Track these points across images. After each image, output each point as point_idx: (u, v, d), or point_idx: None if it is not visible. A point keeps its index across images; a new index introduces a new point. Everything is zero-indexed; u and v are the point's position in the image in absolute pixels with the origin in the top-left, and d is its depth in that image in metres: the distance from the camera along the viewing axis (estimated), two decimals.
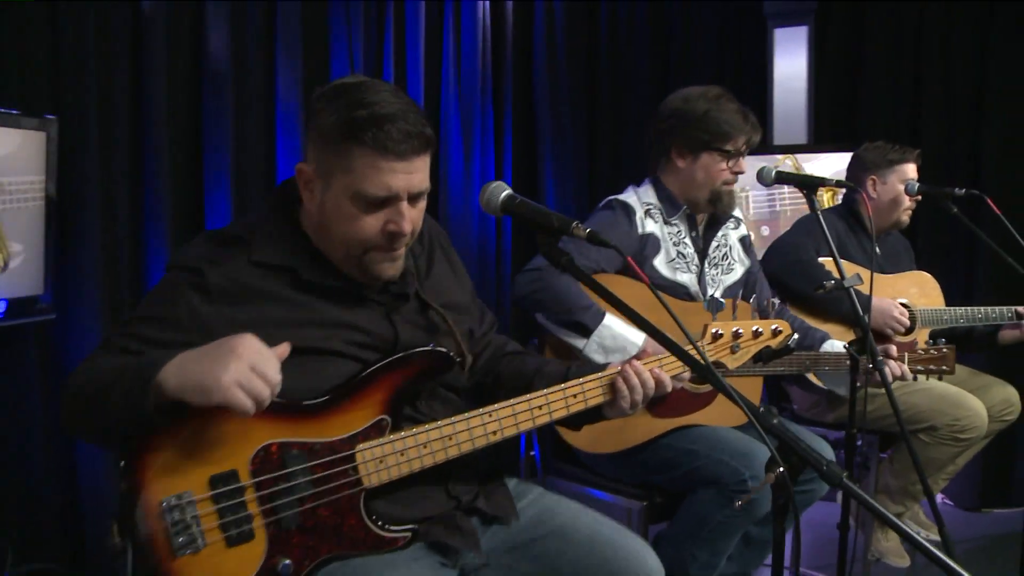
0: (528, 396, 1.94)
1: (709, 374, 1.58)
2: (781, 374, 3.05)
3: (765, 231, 4.92)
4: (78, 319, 3.27)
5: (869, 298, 2.93)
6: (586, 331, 2.70)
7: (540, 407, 1.96)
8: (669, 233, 2.96)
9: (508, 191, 1.90)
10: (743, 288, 3.13)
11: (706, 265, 3.01)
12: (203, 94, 3.73)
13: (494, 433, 1.92)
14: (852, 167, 3.87)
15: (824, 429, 3.55)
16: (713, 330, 2.20)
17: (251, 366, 1.60)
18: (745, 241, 3.19)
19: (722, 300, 2.33)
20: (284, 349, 1.69)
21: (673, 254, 2.94)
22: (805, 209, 4.63)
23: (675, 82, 5.39)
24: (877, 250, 3.75)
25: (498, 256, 4.80)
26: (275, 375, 1.62)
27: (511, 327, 4.63)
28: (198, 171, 3.74)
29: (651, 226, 2.93)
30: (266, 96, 3.94)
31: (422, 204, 1.88)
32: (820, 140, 5.05)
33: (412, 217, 1.84)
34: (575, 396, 1.99)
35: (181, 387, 1.61)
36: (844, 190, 3.93)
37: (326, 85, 1.86)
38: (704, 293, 2.97)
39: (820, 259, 3.54)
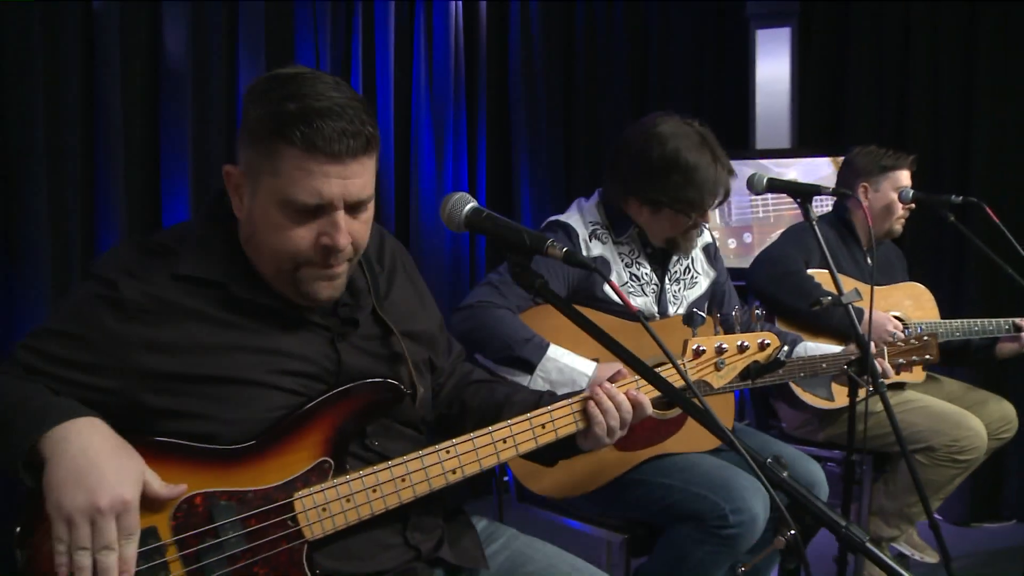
0: (491, 429, 1.72)
1: (685, 400, 1.35)
2: (766, 386, 2.77)
3: (747, 238, 4.71)
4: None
5: (867, 313, 2.67)
6: (529, 366, 2.41)
7: (504, 440, 1.72)
8: (620, 254, 2.68)
9: (473, 204, 1.67)
10: (709, 301, 2.89)
11: (667, 282, 2.75)
12: (160, 96, 3.50)
13: (453, 472, 1.69)
14: (843, 173, 3.65)
15: (814, 449, 3.32)
16: (694, 346, 1.98)
17: (96, 521, 1.40)
18: (709, 250, 2.90)
19: (702, 314, 2.09)
20: (179, 491, 1.50)
21: (625, 277, 2.67)
22: (790, 216, 4.46)
23: (655, 85, 5.22)
24: (869, 261, 3.53)
25: (472, 271, 4.59)
26: (114, 547, 1.40)
27: None
28: (154, 178, 3.53)
29: (598, 248, 2.65)
30: (228, 99, 3.70)
31: (366, 215, 1.62)
32: (804, 144, 4.84)
33: (354, 230, 1.59)
34: (543, 426, 1.76)
35: (48, 470, 1.42)
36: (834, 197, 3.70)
37: (259, 77, 1.62)
38: (664, 313, 2.72)
39: (809, 271, 3.31)
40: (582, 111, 5.03)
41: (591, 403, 1.78)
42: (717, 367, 2.00)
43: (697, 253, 2.84)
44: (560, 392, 2.40)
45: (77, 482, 1.39)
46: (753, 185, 2.59)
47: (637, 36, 5.21)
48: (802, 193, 2.52)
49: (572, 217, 2.68)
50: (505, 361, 2.42)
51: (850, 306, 2.44)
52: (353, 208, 1.58)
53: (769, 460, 1.34)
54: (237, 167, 1.61)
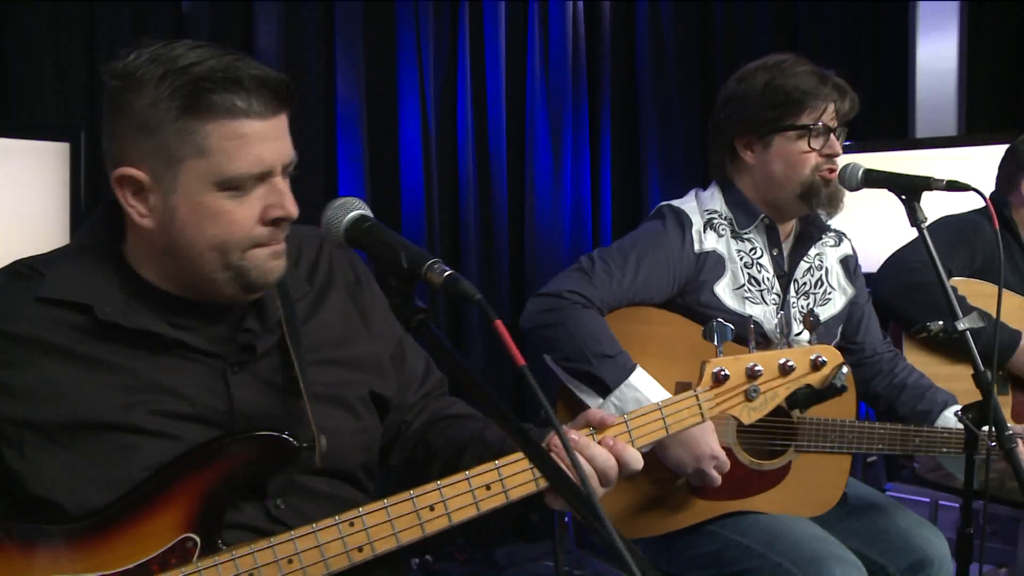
0: (413, 492, 1.28)
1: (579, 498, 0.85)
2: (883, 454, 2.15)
3: None
4: None
5: (994, 339, 1.98)
6: (603, 388, 1.94)
7: (432, 507, 1.27)
8: (739, 251, 2.15)
9: (358, 212, 1.25)
10: (844, 324, 2.30)
11: (792, 293, 2.19)
12: None
13: (359, 550, 1.27)
14: (1005, 162, 2.93)
15: (950, 496, 2.63)
16: (715, 369, 1.46)
17: None
18: (848, 263, 2.32)
19: (728, 324, 1.53)
20: None
21: (743, 279, 2.14)
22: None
23: None
24: None
25: None
26: None
27: None
28: None
29: (712, 242, 2.13)
30: (326, 104, 3.48)
31: (289, 182, 1.36)
32: (974, 131, 4.03)
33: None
34: (488, 488, 1.30)
35: None
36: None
37: (110, 64, 1.30)
38: (787, 331, 2.16)
39: (954, 280, 2.61)
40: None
41: (552, 457, 1.30)
42: (748, 396, 1.47)
43: (833, 264, 2.28)
44: None
45: None
46: (846, 179, 2.01)
47: (782, 18, 4.60)
48: (908, 189, 1.90)
49: (688, 203, 2.19)
50: (576, 374, 1.98)
51: (967, 335, 1.81)
52: (284, 171, 1.33)
53: None
54: (134, 168, 1.28)
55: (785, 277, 2.19)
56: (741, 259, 2.14)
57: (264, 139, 1.28)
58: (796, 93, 2.05)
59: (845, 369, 1.55)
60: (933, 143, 3.99)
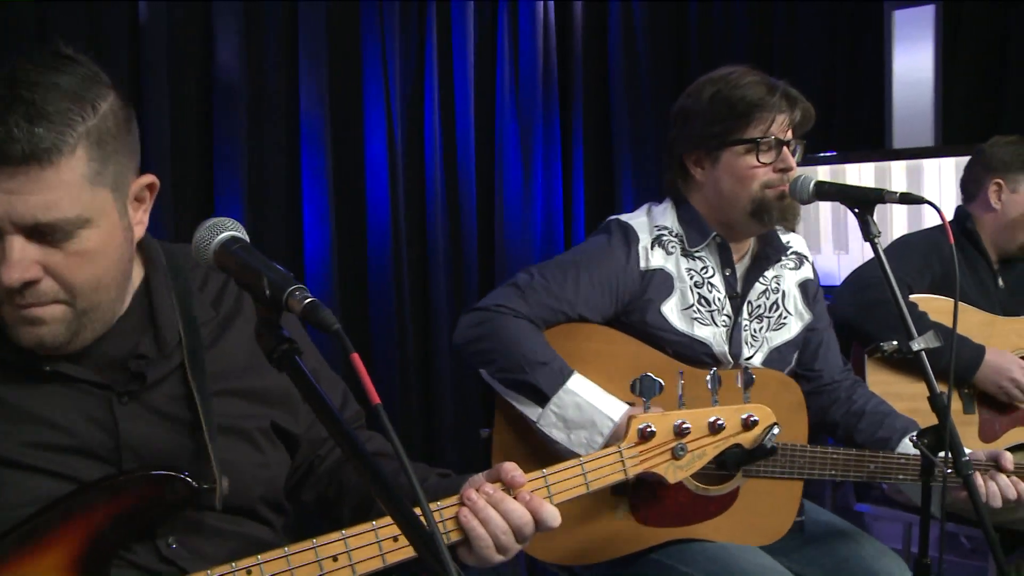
0: (316, 542, 1.21)
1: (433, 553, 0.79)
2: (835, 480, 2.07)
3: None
4: None
5: (953, 355, 1.91)
6: (540, 396, 1.87)
7: (335, 558, 1.20)
8: (689, 270, 2.06)
9: (228, 233, 1.16)
10: (800, 351, 2.21)
11: (744, 315, 2.10)
12: (213, 107, 3.23)
13: None
14: (971, 167, 2.87)
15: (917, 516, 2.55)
16: (640, 425, 1.40)
17: None
18: (808, 288, 2.22)
19: (657, 379, 1.47)
20: None
21: (692, 299, 2.05)
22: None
23: (777, 77, 4.47)
24: (1000, 283, 2.72)
25: None
26: None
27: None
28: (207, 194, 3.24)
29: (660, 259, 2.04)
30: (287, 110, 3.40)
31: (76, 246, 1.17)
32: (951, 142, 3.97)
33: (53, 263, 1.16)
34: (395, 539, 1.22)
35: None
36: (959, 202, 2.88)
37: None
38: (736, 355, 2.08)
39: (914, 296, 2.54)
40: None
41: (464, 511, 1.24)
42: (675, 454, 1.40)
43: (792, 288, 2.19)
44: (574, 438, 1.87)
45: None
46: (797, 192, 1.93)
47: (759, 24, 4.54)
48: (860, 201, 1.83)
49: (637, 218, 2.10)
50: (513, 384, 1.90)
51: (922, 355, 1.73)
52: (39, 234, 1.15)
53: None
54: None
55: (738, 298, 2.10)
56: (691, 278, 2.05)
57: None
58: (742, 105, 1.96)
59: (776, 430, 1.49)
60: (910, 154, 3.95)
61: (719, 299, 2.07)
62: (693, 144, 2.04)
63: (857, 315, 2.53)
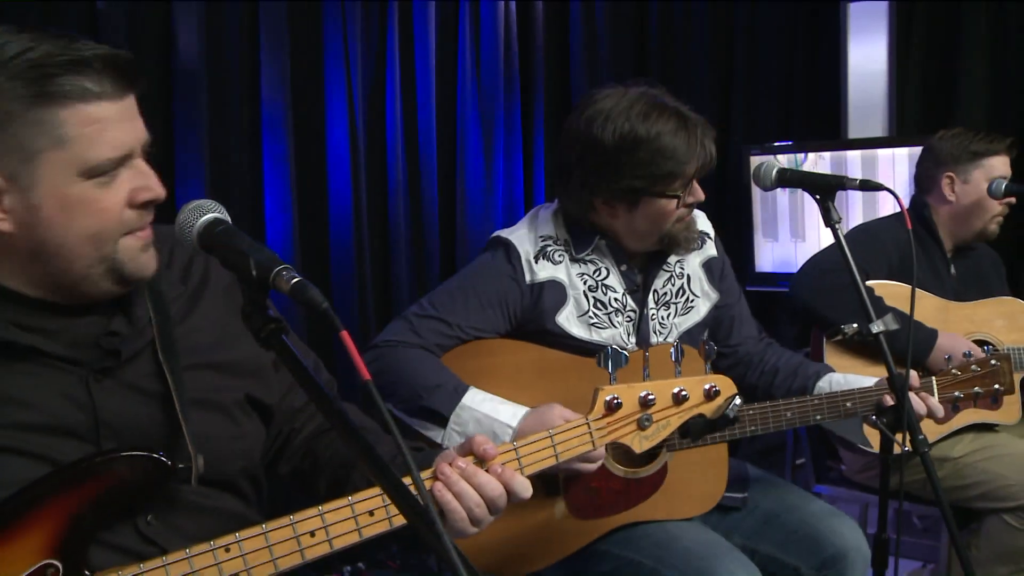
0: (293, 518, 1.23)
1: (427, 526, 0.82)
2: (767, 433, 2.10)
3: None
4: None
5: (910, 339, 1.96)
6: (439, 418, 1.90)
7: (312, 533, 1.22)
8: (582, 275, 2.07)
9: (212, 215, 1.21)
10: (711, 330, 2.24)
11: (651, 306, 2.12)
12: (174, 97, 3.17)
13: None
14: (923, 161, 2.94)
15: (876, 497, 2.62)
16: (608, 397, 1.44)
17: None
18: (712, 267, 2.24)
19: (622, 351, 1.51)
20: None
21: (587, 305, 2.06)
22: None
23: (741, 74, 4.55)
24: (952, 270, 2.80)
25: None
26: None
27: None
28: (167, 185, 3.16)
29: (548, 270, 2.04)
30: (250, 100, 3.38)
31: None
32: (904, 133, 4.06)
33: None
34: (371, 514, 1.25)
35: None
36: (913, 191, 2.96)
37: None
38: (643, 347, 2.08)
39: (871, 282, 2.61)
40: None
41: (438, 485, 1.26)
42: (641, 425, 1.44)
43: (696, 270, 2.21)
44: None
45: None
46: (760, 178, 1.99)
47: (718, 18, 4.59)
48: (821, 188, 1.88)
49: (517, 232, 2.09)
50: (415, 412, 1.93)
51: (881, 337, 1.80)
52: (144, 152, 1.29)
53: None
54: None
55: (639, 291, 2.12)
56: (584, 283, 2.07)
57: (121, 121, 1.24)
58: (670, 164, 1.94)
59: (738, 400, 1.53)
60: (865, 143, 4.03)
61: (617, 298, 2.08)
62: (610, 192, 2.00)
63: (816, 300, 2.60)
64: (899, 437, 1.84)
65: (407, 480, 1.04)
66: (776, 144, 4.00)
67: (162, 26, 3.18)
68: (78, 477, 1.19)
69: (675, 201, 1.99)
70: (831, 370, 2.21)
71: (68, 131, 1.20)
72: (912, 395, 1.96)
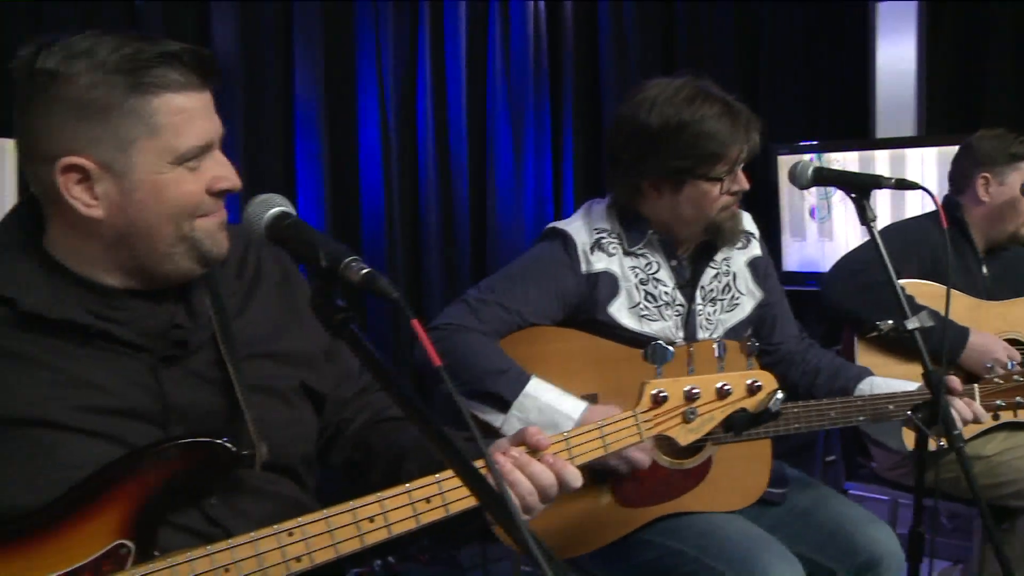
0: (353, 504, 1.28)
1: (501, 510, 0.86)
2: (810, 431, 2.15)
3: None
4: None
5: (944, 337, 2.00)
6: (502, 403, 1.94)
7: (372, 519, 1.27)
8: (633, 268, 2.12)
9: (279, 208, 1.25)
10: (754, 328, 2.28)
11: (698, 301, 2.17)
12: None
13: (298, 560, 1.27)
14: (959, 160, 2.94)
15: (910, 495, 2.64)
16: (654, 391, 1.48)
17: None
18: (757, 265, 2.28)
19: (668, 346, 1.55)
20: None
21: (638, 297, 2.10)
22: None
23: (765, 72, 4.56)
24: (984, 270, 2.81)
25: None
26: None
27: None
28: None
29: (603, 262, 2.09)
30: (284, 101, 3.45)
31: None
32: (933, 132, 4.07)
33: None
34: (428, 500, 1.30)
35: None
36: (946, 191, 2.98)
37: (23, 59, 1.28)
38: (691, 341, 2.15)
39: (902, 281, 2.63)
40: None
41: (474, 466, 1.31)
42: (686, 418, 1.48)
43: (741, 269, 2.26)
44: None
45: None
46: (796, 177, 2.02)
47: (744, 16, 4.61)
48: (857, 187, 1.91)
49: (573, 224, 2.15)
50: (476, 396, 1.97)
51: (917, 334, 1.83)
52: (220, 144, 1.37)
53: None
54: (78, 157, 1.27)
55: (688, 287, 2.17)
56: (636, 276, 2.11)
57: (205, 112, 1.32)
58: (713, 145, 2.00)
59: (780, 395, 1.57)
60: (893, 143, 4.04)
61: (667, 292, 2.13)
62: (656, 173, 2.06)
63: (848, 298, 2.62)
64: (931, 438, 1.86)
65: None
66: (802, 144, 4.03)
67: (198, 25, 3.24)
68: (150, 461, 1.24)
69: (718, 186, 2.04)
70: (871, 373, 2.24)
71: (160, 119, 1.27)
72: (956, 399, 2.00)
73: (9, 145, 2.59)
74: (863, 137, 4.23)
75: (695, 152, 2.01)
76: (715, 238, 2.13)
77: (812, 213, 4.08)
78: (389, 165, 3.62)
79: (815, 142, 4.09)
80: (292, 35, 3.42)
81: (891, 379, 2.20)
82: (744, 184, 2.09)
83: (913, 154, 3.93)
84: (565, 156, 4.14)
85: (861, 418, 2.06)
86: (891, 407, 2.06)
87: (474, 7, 3.84)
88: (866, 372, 2.25)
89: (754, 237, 2.29)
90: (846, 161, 3.98)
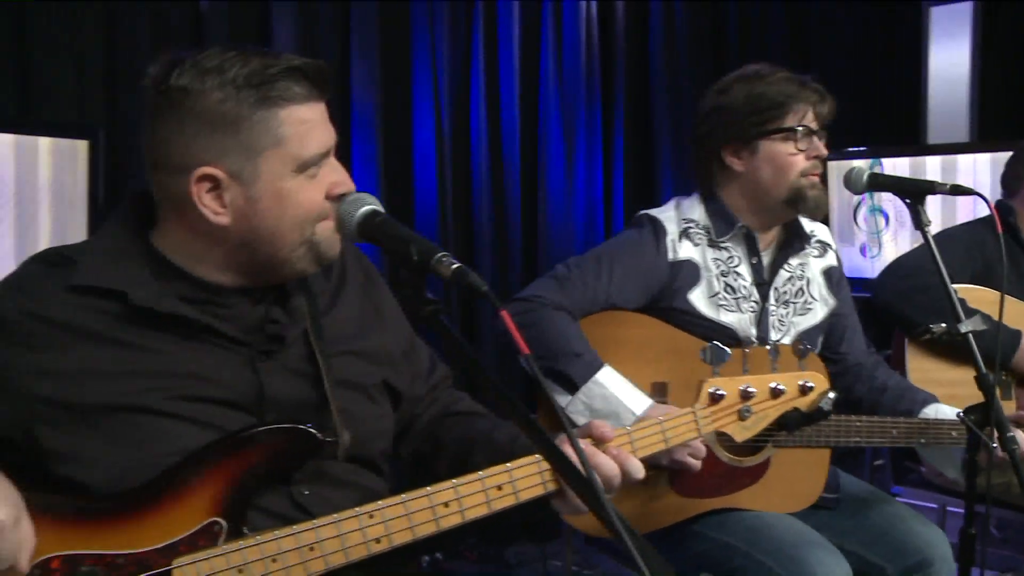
0: (430, 489, 1.36)
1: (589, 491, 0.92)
2: (869, 446, 2.20)
3: None
4: None
5: (996, 340, 2.03)
6: (571, 385, 2.01)
7: (447, 504, 1.35)
8: (716, 259, 2.20)
9: (370, 207, 1.34)
10: (825, 336, 2.33)
11: (771, 301, 2.23)
12: None
13: (377, 541, 1.34)
14: (1012, 164, 2.95)
15: (958, 501, 2.66)
16: (711, 389, 1.55)
17: None
18: (832, 274, 2.35)
19: (725, 348, 1.62)
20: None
21: (718, 287, 2.18)
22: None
23: (814, 73, 4.56)
24: None
25: None
26: None
27: None
28: None
29: (688, 250, 2.18)
30: (341, 101, 3.52)
31: None
32: (986, 137, 4.06)
33: None
34: (499, 488, 1.38)
35: None
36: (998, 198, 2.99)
37: (155, 74, 1.37)
38: (764, 338, 2.21)
39: (956, 286, 2.65)
40: None
41: (565, 452, 1.38)
42: (741, 416, 1.55)
43: (816, 275, 2.32)
44: None
45: None
46: (851, 182, 2.06)
47: (796, 21, 4.64)
48: (912, 193, 1.95)
49: (665, 212, 2.24)
50: (547, 372, 2.04)
51: (970, 336, 1.86)
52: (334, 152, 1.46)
53: None
54: (211, 167, 1.36)
55: (765, 285, 2.23)
56: (717, 267, 2.19)
57: (322, 121, 1.41)
58: (779, 97, 2.11)
59: (832, 395, 1.63)
60: (946, 149, 4.03)
61: (745, 287, 2.20)
62: (731, 136, 2.17)
63: (899, 301, 2.65)
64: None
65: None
66: (850, 150, 4.04)
67: (261, 25, 3.35)
68: (240, 445, 1.31)
69: (791, 143, 2.12)
70: (937, 400, 2.28)
71: (285, 130, 1.35)
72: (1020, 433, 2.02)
73: (82, 146, 2.72)
74: (915, 143, 4.23)
75: (762, 105, 2.11)
76: (800, 208, 2.18)
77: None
78: (443, 167, 3.70)
79: (864, 148, 4.10)
80: (349, 36, 3.50)
81: (957, 408, 2.23)
82: (822, 151, 2.16)
83: (965, 160, 3.92)
84: (616, 158, 4.19)
85: (922, 440, 2.10)
86: (954, 434, 2.10)
87: (528, 7, 3.90)
88: (932, 398, 2.28)
89: (831, 248, 2.36)
90: (896, 167, 3.99)
